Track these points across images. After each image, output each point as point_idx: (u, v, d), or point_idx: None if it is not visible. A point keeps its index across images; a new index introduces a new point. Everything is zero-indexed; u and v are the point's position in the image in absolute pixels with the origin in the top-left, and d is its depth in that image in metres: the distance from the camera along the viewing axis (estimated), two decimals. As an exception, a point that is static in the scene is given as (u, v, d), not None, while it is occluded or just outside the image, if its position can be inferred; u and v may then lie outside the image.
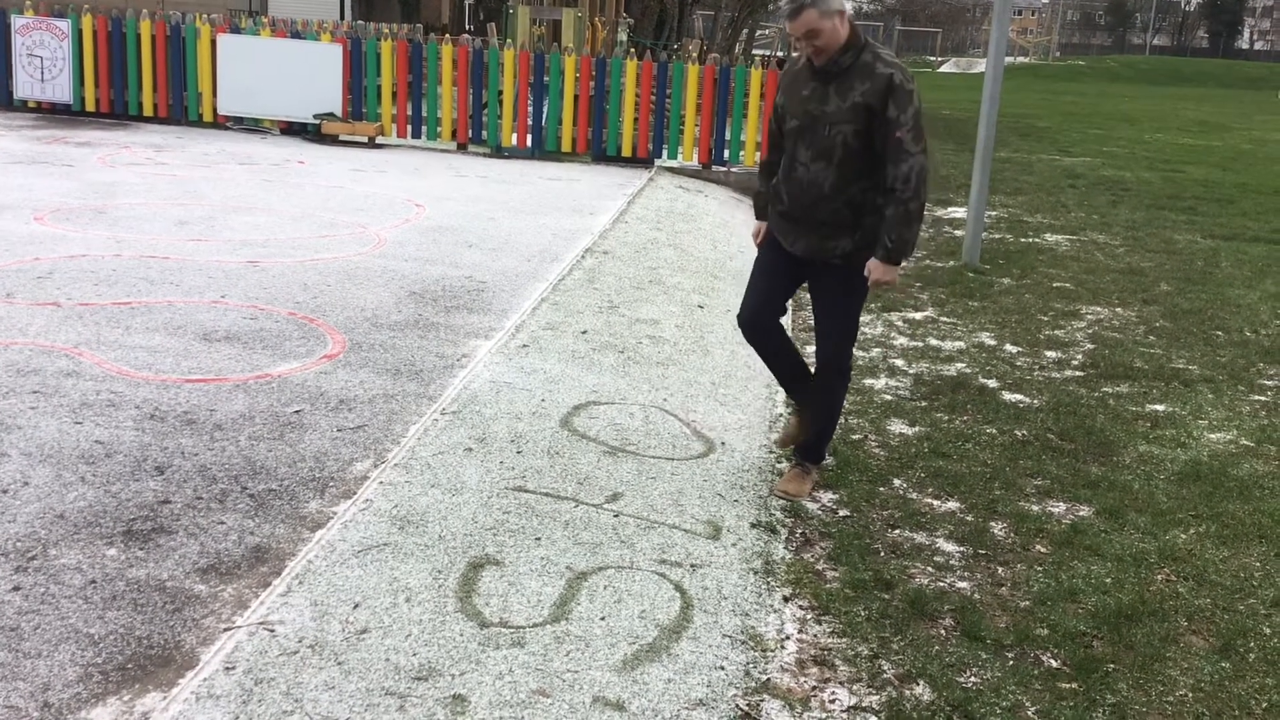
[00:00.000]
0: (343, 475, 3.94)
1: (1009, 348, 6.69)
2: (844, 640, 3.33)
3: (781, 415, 5.23)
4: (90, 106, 12.72)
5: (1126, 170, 16.01)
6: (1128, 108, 32.08)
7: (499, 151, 12.43)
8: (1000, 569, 3.89)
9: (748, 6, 24.49)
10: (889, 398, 5.62)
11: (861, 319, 5.13)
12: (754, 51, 27.58)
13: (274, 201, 8.61)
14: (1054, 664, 3.31)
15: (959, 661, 3.27)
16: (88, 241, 6.91)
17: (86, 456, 3.90)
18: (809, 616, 3.46)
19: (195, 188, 8.97)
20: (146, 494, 3.67)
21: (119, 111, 12.74)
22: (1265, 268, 9.48)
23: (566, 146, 12.35)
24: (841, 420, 4.99)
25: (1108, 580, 3.83)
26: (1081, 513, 4.39)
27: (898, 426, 5.22)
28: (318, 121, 12.38)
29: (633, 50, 12.89)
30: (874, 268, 4.01)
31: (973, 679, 3.19)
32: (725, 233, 9.65)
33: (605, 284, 6.94)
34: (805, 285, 4.34)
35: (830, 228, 4.07)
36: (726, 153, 12.19)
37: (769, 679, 3.09)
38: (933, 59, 63.24)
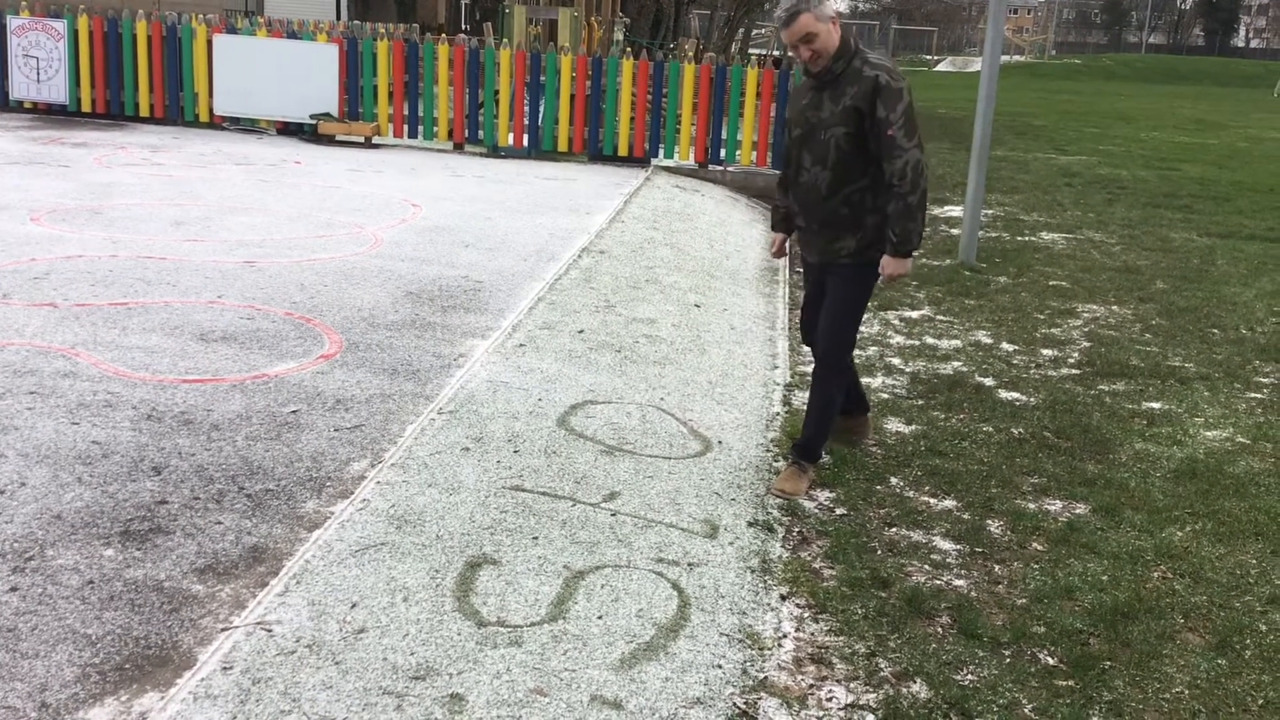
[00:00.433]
0: (340, 475, 3.94)
1: (1005, 346, 6.70)
2: (841, 638, 3.34)
3: (778, 414, 5.24)
4: (86, 107, 12.70)
5: (1122, 168, 16.03)
6: (1124, 106, 32.11)
7: (495, 151, 12.42)
8: (997, 567, 3.89)
9: (744, 6, 24.47)
10: (885, 396, 5.63)
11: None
12: (750, 51, 27.56)
13: (270, 202, 8.60)
14: (1051, 661, 3.32)
15: (956, 659, 3.27)
16: (84, 242, 6.90)
17: (83, 457, 3.90)
18: (806, 615, 3.46)
19: (191, 188, 8.96)
20: (144, 494, 3.67)
21: (115, 112, 12.72)
22: (1261, 265, 9.50)
23: (563, 146, 12.35)
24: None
25: (1104, 578, 3.84)
26: (1078, 510, 4.40)
27: (894, 425, 5.22)
28: (314, 122, 12.37)
29: (629, 50, 12.88)
30: (886, 264, 4.22)
31: (969, 677, 3.20)
32: (722, 232, 9.65)
33: (602, 283, 6.94)
34: None
35: (833, 229, 4.29)
36: (723, 152, 12.18)
37: (766, 677, 3.09)
38: (929, 58, 63.25)
